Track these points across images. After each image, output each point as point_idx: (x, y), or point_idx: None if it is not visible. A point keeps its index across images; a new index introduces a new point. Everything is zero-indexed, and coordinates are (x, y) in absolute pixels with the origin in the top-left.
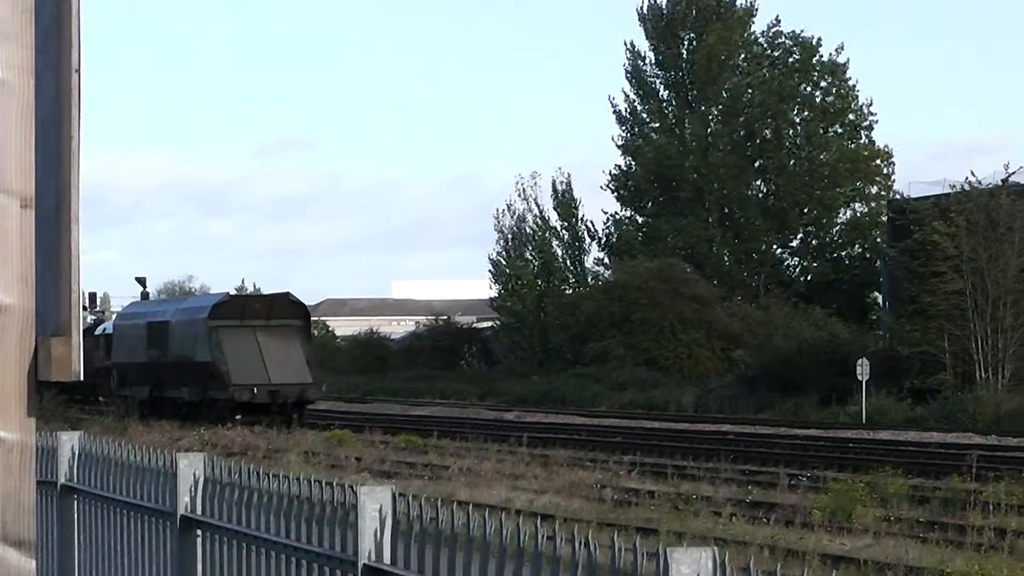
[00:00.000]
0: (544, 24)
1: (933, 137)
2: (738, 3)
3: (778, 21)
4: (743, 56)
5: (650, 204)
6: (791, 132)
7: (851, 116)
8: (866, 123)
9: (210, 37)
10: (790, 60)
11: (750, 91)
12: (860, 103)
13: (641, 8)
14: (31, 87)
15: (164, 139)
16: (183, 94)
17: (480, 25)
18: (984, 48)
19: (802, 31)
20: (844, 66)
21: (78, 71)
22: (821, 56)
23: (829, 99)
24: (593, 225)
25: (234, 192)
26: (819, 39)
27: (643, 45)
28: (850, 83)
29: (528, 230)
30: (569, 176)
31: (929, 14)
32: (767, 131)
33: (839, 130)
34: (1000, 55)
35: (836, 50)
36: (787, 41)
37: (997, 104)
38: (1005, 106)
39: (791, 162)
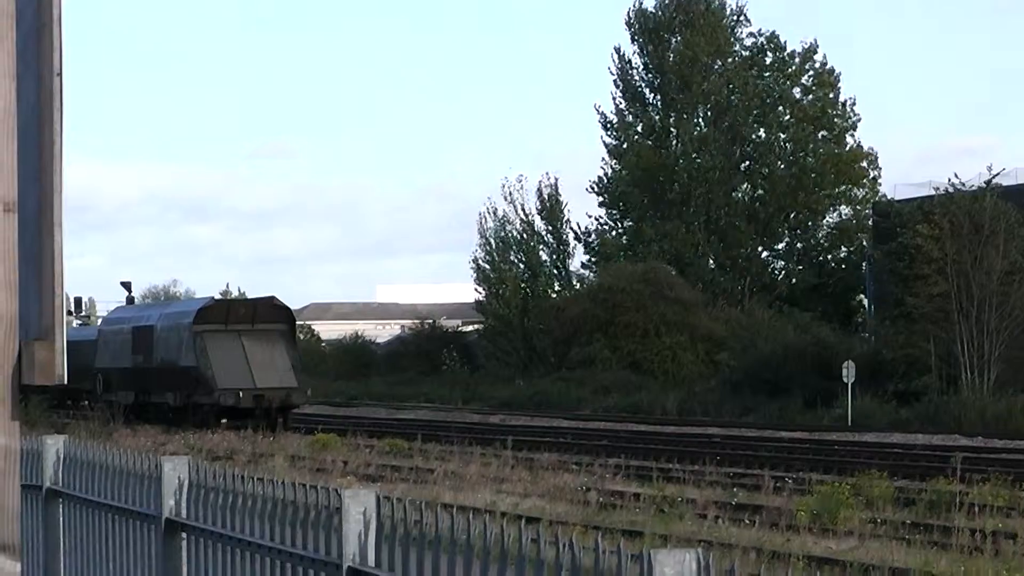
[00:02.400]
0: (531, 27)
1: (921, 140)
2: (726, 8)
3: (757, 29)
4: (729, 59)
5: (635, 208)
6: (779, 136)
7: (836, 119)
8: (849, 123)
9: (196, 47)
10: (769, 62)
11: (734, 95)
12: (842, 100)
13: (628, 13)
14: (13, 92)
15: (150, 146)
16: (169, 102)
17: (464, 30)
18: (975, 50)
19: (774, 32)
20: (829, 69)
21: (60, 75)
22: (811, 62)
23: (815, 102)
24: (579, 226)
25: (219, 198)
26: (810, 45)
27: (630, 49)
28: (836, 84)
29: (514, 233)
30: (556, 180)
31: (921, 17)
32: (754, 134)
33: (824, 134)
34: (990, 57)
35: (810, 46)
36: (766, 43)
37: (985, 106)
38: (993, 107)
39: (779, 164)
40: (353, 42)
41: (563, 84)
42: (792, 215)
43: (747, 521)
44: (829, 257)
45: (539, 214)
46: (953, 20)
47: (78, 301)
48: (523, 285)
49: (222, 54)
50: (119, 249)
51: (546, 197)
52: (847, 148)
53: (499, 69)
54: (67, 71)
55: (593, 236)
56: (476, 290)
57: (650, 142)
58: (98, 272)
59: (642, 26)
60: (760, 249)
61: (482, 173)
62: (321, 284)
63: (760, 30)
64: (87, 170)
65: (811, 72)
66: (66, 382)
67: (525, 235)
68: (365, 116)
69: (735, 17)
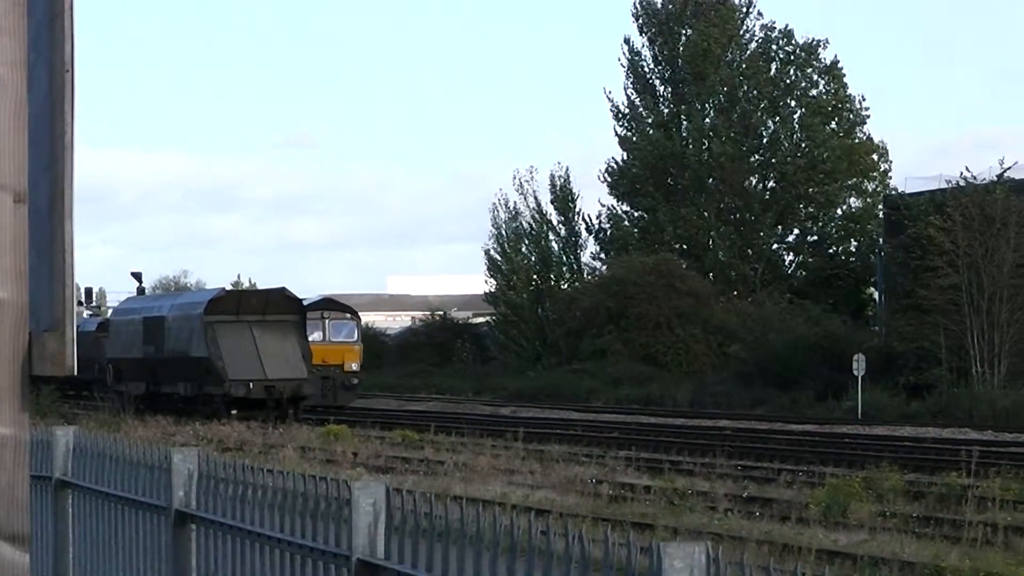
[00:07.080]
0: (544, 19)
1: (934, 134)
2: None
3: (760, 18)
4: (738, 52)
5: (647, 198)
6: (790, 128)
7: (846, 113)
8: (859, 118)
9: (221, 35)
10: (781, 55)
11: (745, 86)
12: (851, 95)
13: (635, 5)
14: (24, 82)
15: (172, 136)
16: (194, 91)
17: (479, 22)
18: (989, 42)
19: (787, 25)
20: (837, 62)
21: (71, 68)
22: (817, 54)
23: (825, 96)
24: (590, 218)
25: (236, 189)
26: (818, 40)
27: (640, 41)
28: (844, 79)
29: (525, 224)
30: (567, 170)
31: (935, 8)
32: (763, 127)
33: (835, 127)
34: (1004, 50)
35: (819, 40)
36: (780, 37)
37: (1000, 99)
38: (1006, 101)
39: (789, 157)
40: (376, 31)
41: (590, 71)
42: (803, 206)
43: (758, 514)
44: (839, 249)
45: (552, 204)
46: (967, 11)
47: (88, 292)
48: (535, 277)
49: (247, 43)
50: (136, 239)
51: (558, 187)
52: (856, 141)
53: (526, 55)
54: (93, 59)
55: (605, 225)
56: (487, 281)
57: (660, 133)
58: (113, 261)
59: (650, 18)
60: (772, 241)
61: (504, 163)
62: (334, 274)
63: (771, 22)
64: (107, 159)
65: (820, 65)
66: (75, 373)
67: (536, 226)
68: (388, 105)
69: (745, 9)
